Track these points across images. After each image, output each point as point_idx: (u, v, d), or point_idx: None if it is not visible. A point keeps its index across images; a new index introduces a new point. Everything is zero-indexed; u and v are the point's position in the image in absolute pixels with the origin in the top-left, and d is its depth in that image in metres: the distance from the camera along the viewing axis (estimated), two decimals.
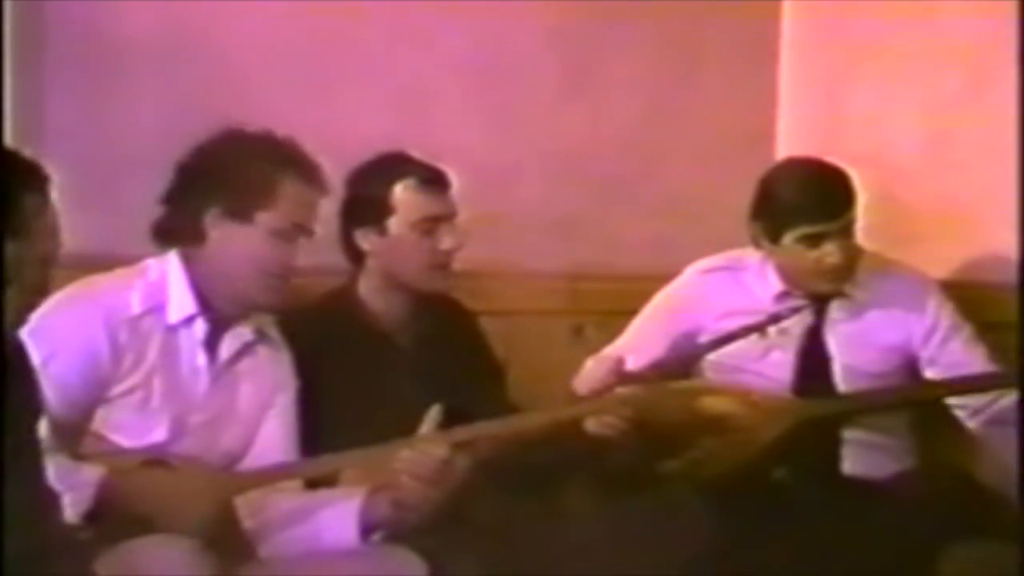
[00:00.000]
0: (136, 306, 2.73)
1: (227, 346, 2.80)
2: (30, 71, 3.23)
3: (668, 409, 3.07)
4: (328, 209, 2.92)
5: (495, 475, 2.92)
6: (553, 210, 3.75)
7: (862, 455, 3.29)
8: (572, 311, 3.69)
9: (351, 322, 3.12)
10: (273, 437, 2.85)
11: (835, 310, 3.30)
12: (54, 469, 2.35)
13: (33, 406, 2.28)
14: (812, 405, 3.24)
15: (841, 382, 3.29)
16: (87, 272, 2.78)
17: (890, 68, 3.78)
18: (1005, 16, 3.39)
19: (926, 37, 3.68)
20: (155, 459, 2.69)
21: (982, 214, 3.53)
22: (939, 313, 3.30)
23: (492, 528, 2.85)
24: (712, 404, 3.19)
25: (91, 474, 2.57)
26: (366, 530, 2.75)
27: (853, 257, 3.24)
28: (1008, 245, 3.36)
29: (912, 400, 3.35)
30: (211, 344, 2.78)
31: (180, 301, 2.76)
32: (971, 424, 3.29)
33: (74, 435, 2.66)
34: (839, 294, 3.29)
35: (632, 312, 3.42)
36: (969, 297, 3.37)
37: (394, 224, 3.10)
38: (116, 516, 2.54)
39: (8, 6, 3.11)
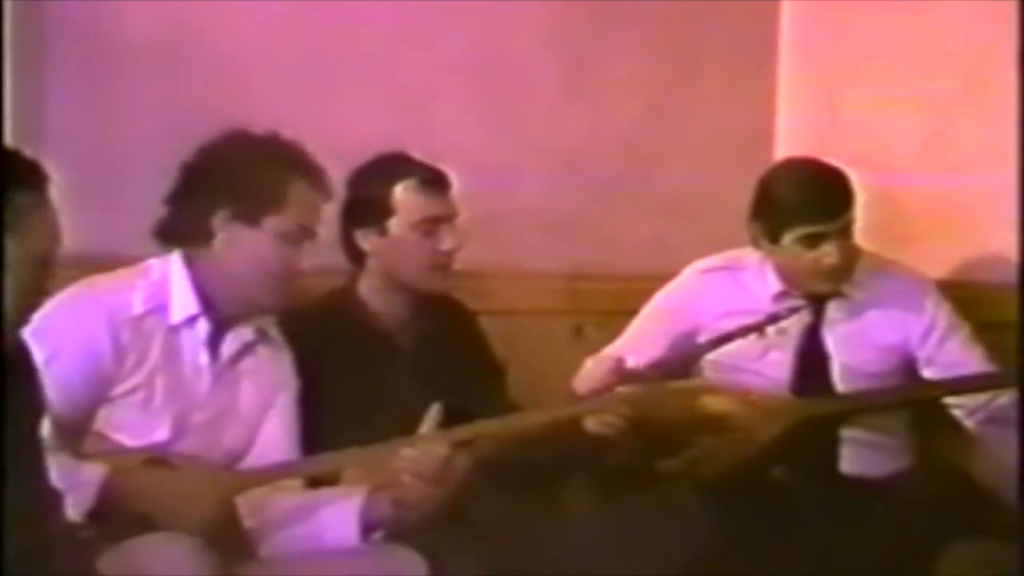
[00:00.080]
0: (138, 306, 2.73)
1: (229, 346, 2.80)
2: (30, 71, 3.23)
3: (667, 408, 3.07)
4: (329, 210, 2.91)
5: (495, 474, 2.93)
6: (553, 210, 3.75)
7: (860, 454, 3.30)
8: (572, 311, 3.69)
9: (351, 322, 3.12)
10: (274, 436, 2.85)
11: (833, 310, 3.31)
12: (56, 468, 2.35)
13: (35, 406, 2.29)
14: (810, 404, 3.25)
15: (839, 382, 3.29)
16: (88, 272, 2.78)
17: (888, 69, 3.78)
18: (1003, 17, 3.39)
19: (924, 38, 3.69)
20: (157, 458, 2.69)
21: (980, 214, 3.54)
22: (937, 313, 3.31)
23: (492, 527, 2.86)
24: (711, 403, 3.19)
25: (93, 473, 2.57)
26: (367, 529, 2.75)
27: (851, 257, 3.25)
28: (1006, 245, 3.35)
29: (910, 400, 3.35)
30: (213, 344, 2.79)
31: (182, 301, 2.76)
32: (968, 423, 3.30)
33: (76, 434, 2.66)
34: (837, 294, 3.29)
35: (632, 312, 3.43)
36: (967, 297, 3.38)
37: (395, 224, 3.10)
38: (118, 515, 2.54)
39: (8, 6, 3.10)
